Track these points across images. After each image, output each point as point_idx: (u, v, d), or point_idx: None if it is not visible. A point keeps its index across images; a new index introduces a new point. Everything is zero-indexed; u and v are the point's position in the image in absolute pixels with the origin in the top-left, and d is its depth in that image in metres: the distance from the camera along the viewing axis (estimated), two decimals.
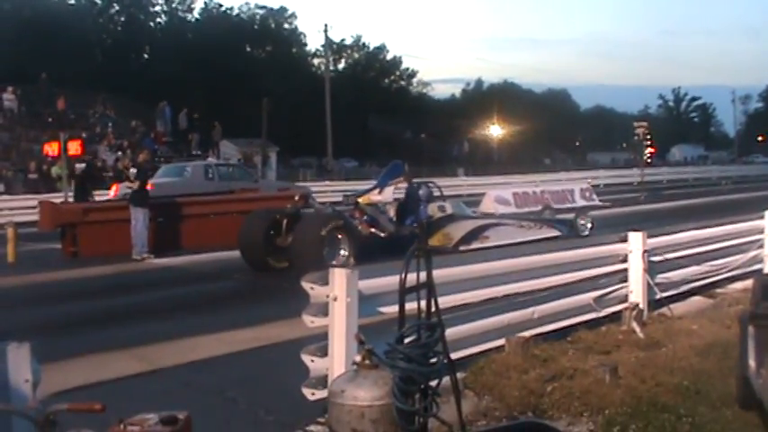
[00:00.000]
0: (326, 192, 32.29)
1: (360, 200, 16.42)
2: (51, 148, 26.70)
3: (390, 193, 16.78)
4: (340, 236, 14.76)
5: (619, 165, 79.25)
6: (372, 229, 15.75)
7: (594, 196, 33.50)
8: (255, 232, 15.43)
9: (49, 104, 42.65)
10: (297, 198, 16.59)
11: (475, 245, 16.41)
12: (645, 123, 44.15)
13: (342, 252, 14.70)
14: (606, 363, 7.41)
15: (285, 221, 15.38)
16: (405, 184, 17.15)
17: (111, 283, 14.96)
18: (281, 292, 12.57)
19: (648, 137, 45.03)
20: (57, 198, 22.73)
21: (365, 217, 15.94)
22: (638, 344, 8.51)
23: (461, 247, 16.25)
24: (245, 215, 16.92)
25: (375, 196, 16.51)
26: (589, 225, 19.00)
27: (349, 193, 17.58)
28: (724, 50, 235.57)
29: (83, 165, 27.51)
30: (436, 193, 17.55)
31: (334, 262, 13.90)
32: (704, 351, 8.02)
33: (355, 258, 14.38)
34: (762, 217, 12.79)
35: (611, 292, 9.67)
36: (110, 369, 8.28)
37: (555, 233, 17.74)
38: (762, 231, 12.70)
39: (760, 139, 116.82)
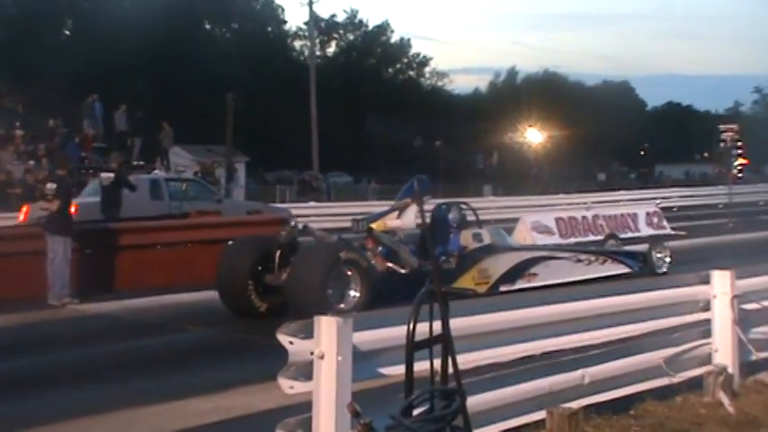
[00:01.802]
0: (311, 215, 32.29)
1: (373, 226, 16.55)
2: None
3: (412, 218, 16.83)
4: (349, 272, 14.96)
5: (694, 181, 79.19)
6: (390, 264, 15.85)
7: (665, 222, 33.57)
8: (239, 267, 15.61)
9: None
10: (293, 224, 16.95)
11: (520, 284, 16.87)
12: (734, 126, 44.33)
13: (351, 293, 14.93)
14: None
15: (278, 253, 15.55)
16: (416, 208, 17.19)
17: (17, 336, 14.85)
18: (249, 347, 12.59)
19: (739, 143, 45.15)
20: None
21: (380, 248, 16.06)
22: (728, 421, 8.52)
23: (502, 287, 16.63)
24: (217, 245, 17.52)
25: (392, 221, 16.64)
26: (668, 259, 19.26)
27: (359, 218, 17.69)
28: None
29: (110, 175, 27.64)
30: (470, 218, 17.70)
31: (341, 305, 14.29)
32: None
33: (367, 301, 14.63)
34: None
35: (688, 351, 9.64)
36: None
37: (623, 269, 18.21)
38: None
39: None
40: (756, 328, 10.32)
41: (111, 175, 26.98)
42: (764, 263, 13.04)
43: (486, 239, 17.42)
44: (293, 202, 43.50)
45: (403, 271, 15.70)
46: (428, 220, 17.05)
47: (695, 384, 9.38)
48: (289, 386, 6.45)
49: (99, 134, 44.65)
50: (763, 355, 10.28)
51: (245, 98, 56.12)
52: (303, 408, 6.40)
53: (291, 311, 13.38)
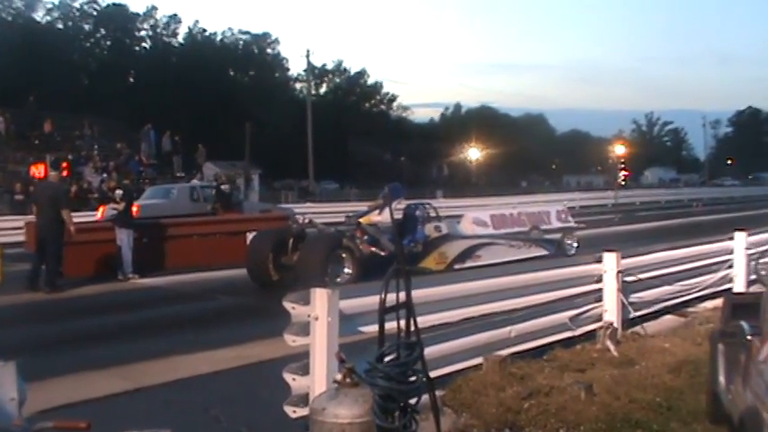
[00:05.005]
0: (308, 213, 32.05)
1: (361, 220, 16.56)
2: (38, 170, 26.55)
3: (389, 215, 16.82)
4: (344, 255, 15.04)
5: (584, 187, 79.11)
6: (373, 249, 15.78)
7: (570, 218, 33.42)
8: (263, 250, 15.77)
9: (36, 127, 42.37)
10: (302, 219, 17.15)
11: (469, 263, 16.77)
12: (623, 148, 44.48)
13: (345, 270, 14.96)
14: (581, 380, 7.44)
15: (291, 240, 15.73)
16: (384, 207, 17.15)
17: (96, 302, 14.84)
18: (263, 311, 12.52)
19: (623, 160, 45.34)
20: None
21: (366, 237, 16.00)
22: (613, 362, 8.55)
23: (456, 266, 16.57)
24: (239, 235, 18.03)
25: (375, 217, 16.62)
26: (575, 245, 19.38)
27: (350, 214, 17.75)
28: (696, 77, 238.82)
29: (228, 185, 29.20)
30: (432, 214, 17.70)
31: (338, 279, 14.27)
32: (676, 368, 8.07)
33: (357, 277, 14.63)
34: (731, 238, 12.90)
35: (586, 312, 9.70)
36: (94, 388, 8.22)
37: (543, 252, 18.21)
38: (731, 252, 12.81)
39: (729, 162, 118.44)
40: (634, 294, 10.43)
41: (228, 185, 28.03)
42: (641, 247, 13.11)
43: (445, 230, 17.44)
44: (294, 202, 43.19)
45: (383, 254, 15.64)
46: (400, 216, 17.19)
47: (591, 336, 9.43)
48: (292, 340, 6.43)
49: (152, 154, 44.37)
50: (638, 313, 10.37)
51: (259, 126, 55.88)
52: (302, 356, 6.38)
53: (300, 284, 13.38)
